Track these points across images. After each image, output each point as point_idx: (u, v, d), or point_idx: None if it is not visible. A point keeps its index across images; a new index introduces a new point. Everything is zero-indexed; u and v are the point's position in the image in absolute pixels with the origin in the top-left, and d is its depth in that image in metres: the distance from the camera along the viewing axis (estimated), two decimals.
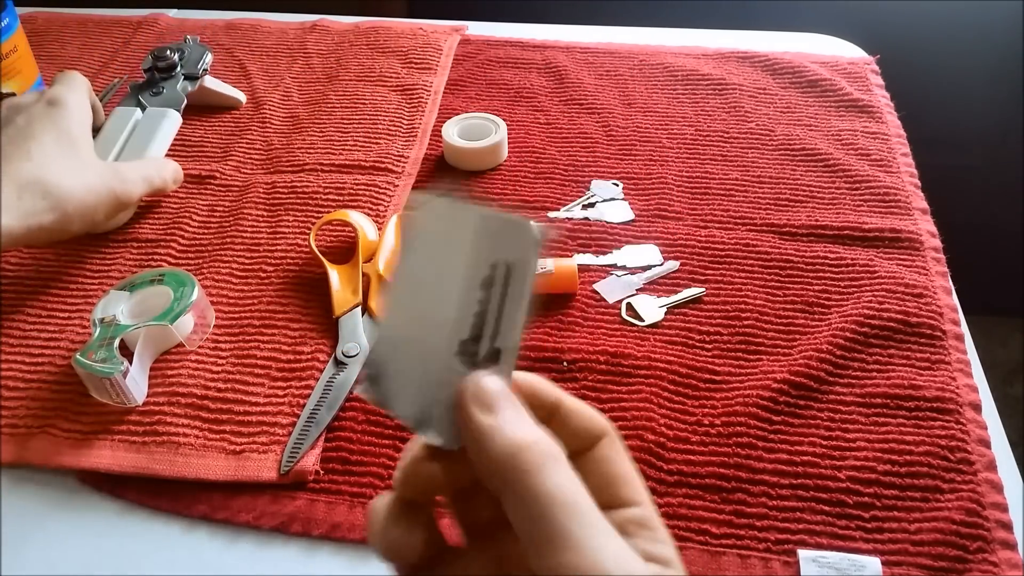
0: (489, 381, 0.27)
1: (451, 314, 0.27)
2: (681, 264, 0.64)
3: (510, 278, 0.27)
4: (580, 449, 0.29)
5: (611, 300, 0.61)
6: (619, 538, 0.24)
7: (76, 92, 0.63)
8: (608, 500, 0.27)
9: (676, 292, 0.61)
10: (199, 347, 0.58)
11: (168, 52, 0.78)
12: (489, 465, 0.25)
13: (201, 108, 0.81)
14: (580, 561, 0.23)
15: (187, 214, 0.69)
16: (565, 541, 0.23)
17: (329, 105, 0.82)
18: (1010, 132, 1.37)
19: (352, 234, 0.66)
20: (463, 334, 0.27)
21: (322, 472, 0.50)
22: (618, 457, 0.29)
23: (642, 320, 0.59)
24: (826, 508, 0.48)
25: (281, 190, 0.71)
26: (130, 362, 0.53)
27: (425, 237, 0.28)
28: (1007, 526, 0.47)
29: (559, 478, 0.24)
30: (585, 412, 0.30)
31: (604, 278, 0.63)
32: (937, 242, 0.66)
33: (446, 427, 0.27)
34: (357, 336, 0.58)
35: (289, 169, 0.74)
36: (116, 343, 0.53)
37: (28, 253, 0.66)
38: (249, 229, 0.68)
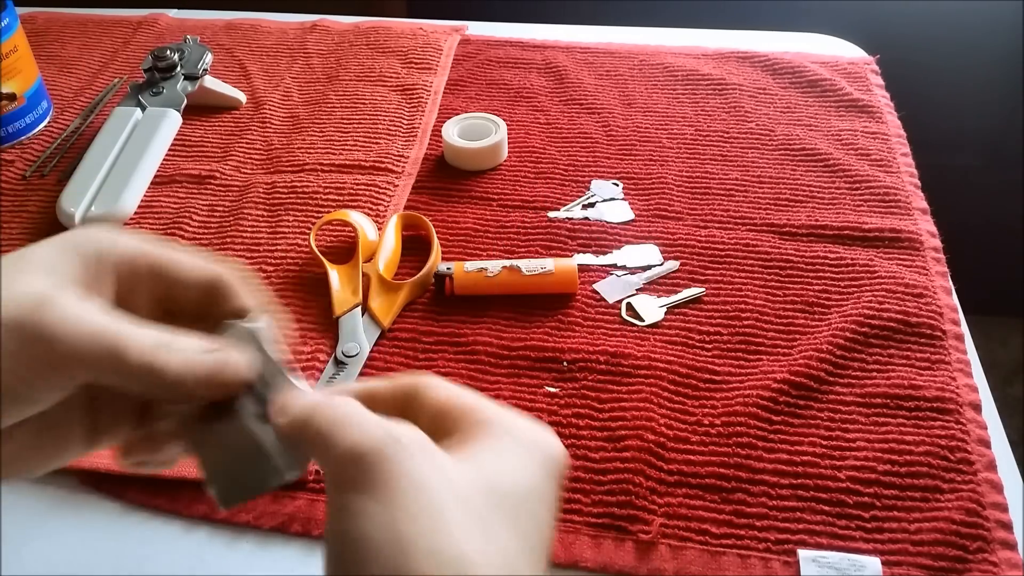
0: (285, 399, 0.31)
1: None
2: (681, 264, 0.64)
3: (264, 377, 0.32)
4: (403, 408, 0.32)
5: (611, 300, 0.61)
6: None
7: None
8: (447, 432, 0.30)
9: (676, 292, 0.61)
10: None
11: (168, 52, 0.79)
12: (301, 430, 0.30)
13: (201, 108, 0.81)
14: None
15: (187, 214, 0.69)
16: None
17: (329, 105, 0.82)
18: (1010, 132, 1.37)
19: (352, 234, 0.66)
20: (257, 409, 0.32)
21: (322, 472, 0.50)
22: (432, 394, 0.31)
23: (642, 320, 0.59)
24: (826, 508, 0.48)
25: (281, 190, 0.71)
26: None
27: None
28: (1007, 526, 0.47)
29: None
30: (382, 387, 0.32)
31: (604, 278, 0.63)
32: (937, 242, 0.66)
33: (285, 460, 0.31)
34: (357, 336, 0.58)
35: (289, 169, 0.74)
36: None
37: None
38: (249, 229, 0.68)
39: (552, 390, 0.55)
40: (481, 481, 0.28)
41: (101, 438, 0.33)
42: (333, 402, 0.29)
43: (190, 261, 0.33)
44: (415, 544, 0.25)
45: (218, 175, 0.74)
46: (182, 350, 0.30)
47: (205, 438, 0.32)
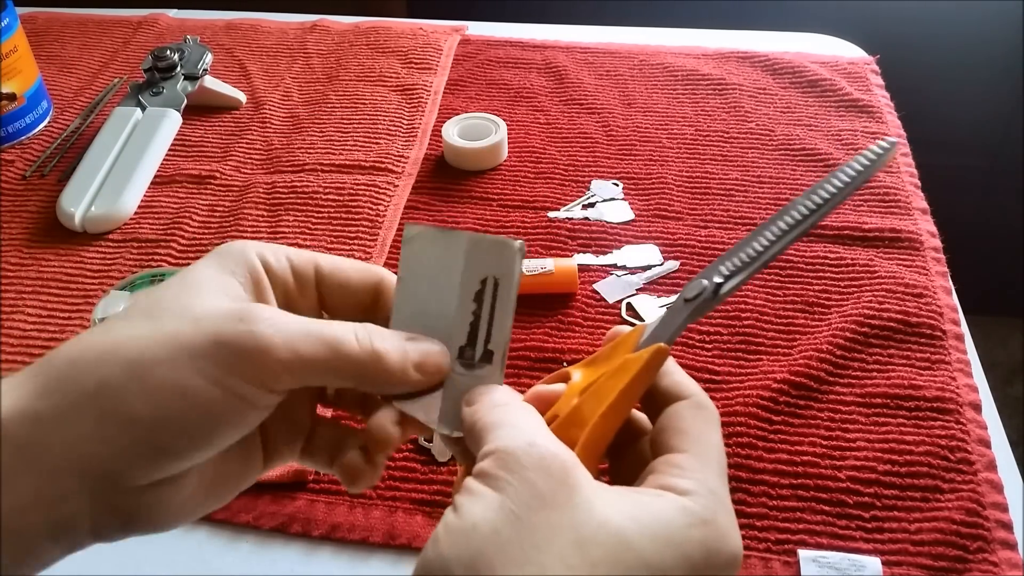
0: (476, 391, 0.31)
1: (450, 326, 0.32)
2: (681, 264, 0.64)
3: (497, 290, 0.32)
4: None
5: (611, 300, 0.61)
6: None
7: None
8: (660, 449, 0.30)
9: (676, 292, 0.61)
10: None
11: (168, 52, 0.79)
12: (470, 429, 0.30)
13: (201, 108, 0.81)
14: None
15: (187, 214, 0.69)
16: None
17: (329, 105, 0.82)
18: (1010, 132, 1.37)
19: None
20: (461, 341, 0.32)
21: (322, 472, 0.50)
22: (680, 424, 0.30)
23: (642, 320, 0.59)
24: (826, 508, 0.48)
25: (281, 190, 0.71)
26: None
27: (419, 264, 0.32)
28: (1007, 526, 0.47)
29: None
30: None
31: (604, 278, 0.63)
32: (937, 242, 0.65)
33: (453, 419, 0.32)
34: None
35: (289, 169, 0.74)
36: None
37: (28, 253, 0.66)
38: (249, 229, 0.68)
39: None
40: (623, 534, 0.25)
41: (275, 457, 0.33)
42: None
43: (352, 264, 0.33)
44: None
45: (218, 175, 0.74)
46: (389, 338, 0.30)
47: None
